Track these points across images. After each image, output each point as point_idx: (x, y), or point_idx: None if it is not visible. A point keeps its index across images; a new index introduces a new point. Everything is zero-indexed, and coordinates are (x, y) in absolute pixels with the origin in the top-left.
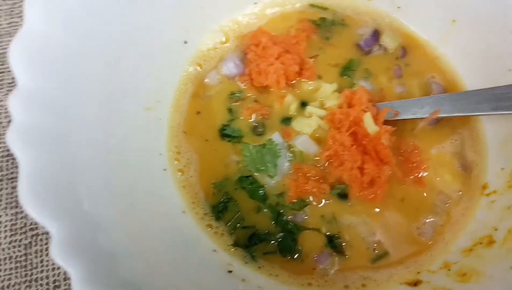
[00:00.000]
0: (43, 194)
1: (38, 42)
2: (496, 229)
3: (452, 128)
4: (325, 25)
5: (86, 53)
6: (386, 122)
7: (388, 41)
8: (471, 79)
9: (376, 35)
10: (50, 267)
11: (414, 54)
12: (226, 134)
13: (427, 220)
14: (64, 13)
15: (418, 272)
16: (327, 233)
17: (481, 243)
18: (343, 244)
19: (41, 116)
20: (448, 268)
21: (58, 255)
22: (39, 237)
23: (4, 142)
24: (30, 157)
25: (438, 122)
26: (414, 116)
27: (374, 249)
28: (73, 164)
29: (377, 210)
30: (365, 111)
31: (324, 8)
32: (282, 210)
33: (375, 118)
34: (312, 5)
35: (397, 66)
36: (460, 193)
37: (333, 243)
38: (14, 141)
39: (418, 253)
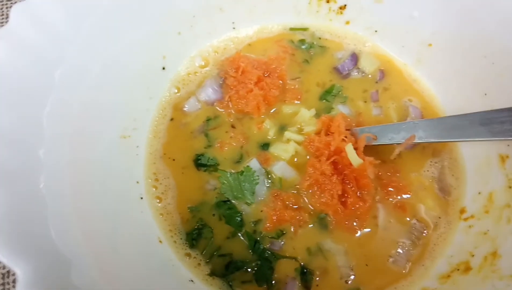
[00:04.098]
0: (10, 233)
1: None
2: (472, 255)
3: (433, 152)
4: (304, 47)
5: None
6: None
7: (366, 64)
8: (448, 102)
9: (354, 58)
10: None
11: (392, 77)
12: (201, 163)
13: (401, 250)
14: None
15: None
16: (302, 264)
17: (458, 269)
18: (317, 278)
19: (10, 154)
20: None
21: None
22: None
23: None
24: None
25: (415, 146)
26: (391, 142)
27: (347, 281)
28: (43, 201)
29: (358, 239)
30: (345, 141)
31: (305, 29)
32: (259, 238)
33: (355, 146)
34: (292, 29)
35: (374, 89)
36: (440, 218)
37: (305, 277)
38: None
39: (396, 281)
